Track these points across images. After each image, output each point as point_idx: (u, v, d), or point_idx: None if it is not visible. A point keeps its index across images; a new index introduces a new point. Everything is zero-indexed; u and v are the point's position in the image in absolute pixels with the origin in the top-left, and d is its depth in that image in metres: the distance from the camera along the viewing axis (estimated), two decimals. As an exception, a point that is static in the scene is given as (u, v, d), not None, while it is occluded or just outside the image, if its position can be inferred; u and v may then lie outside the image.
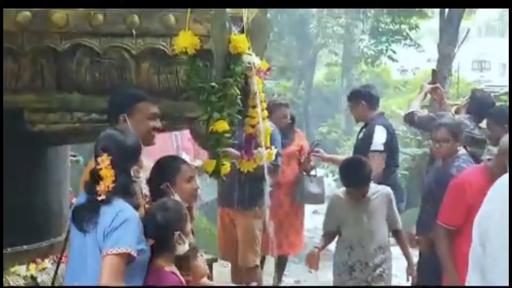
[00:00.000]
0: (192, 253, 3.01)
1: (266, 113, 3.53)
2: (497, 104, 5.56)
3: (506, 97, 9.27)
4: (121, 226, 2.53)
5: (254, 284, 4.20)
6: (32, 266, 3.37)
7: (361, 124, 5.74)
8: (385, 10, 15.85)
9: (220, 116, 3.08)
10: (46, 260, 3.45)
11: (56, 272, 3.22)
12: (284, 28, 18.87)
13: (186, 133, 4.48)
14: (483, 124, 5.05)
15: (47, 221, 3.57)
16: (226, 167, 3.37)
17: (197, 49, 3.00)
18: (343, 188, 4.50)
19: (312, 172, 5.93)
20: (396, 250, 4.77)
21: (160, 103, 3.11)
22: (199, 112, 3.13)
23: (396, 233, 4.58)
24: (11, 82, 3.08)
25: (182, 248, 2.77)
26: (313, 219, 9.06)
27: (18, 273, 3.33)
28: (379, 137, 5.23)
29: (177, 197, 2.99)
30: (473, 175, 3.78)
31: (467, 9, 12.16)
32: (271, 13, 14.57)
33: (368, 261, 4.37)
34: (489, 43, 30.99)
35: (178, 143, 5.55)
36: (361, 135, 5.55)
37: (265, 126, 3.56)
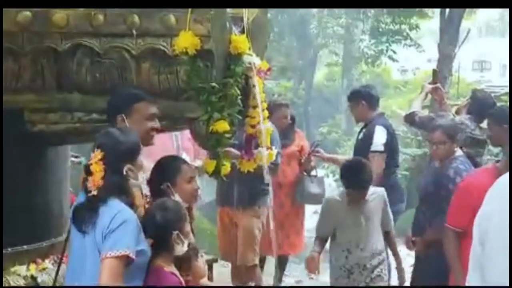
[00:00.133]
0: (192, 254, 3.01)
1: (266, 113, 3.53)
2: (498, 104, 5.55)
3: (507, 98, 9.27)
4: (119, 228, 2.52)
5: (251, 283, 4.21)
6: (33, 266, 3.37)
7: (362, 124, 5.73)
8: (385, 10, 15.84)
9: (221, 116, 3.08)
10: (47, 260, 3.45)
11: (57, 273, 3.22)
12: (284, 28, 18.86)
13: (187, 133, 4.48)
14: (484, 124, 5.04)
15: (47, 221, 3.57)
16: (226, 167, 3.37)
17: (197, 49, 3.00)
18: (339, 191, 4.51)
19: (313, 173, 5.93)
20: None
21: (160, 104, 3.11)
22: (199, 113, 3.13)
23: (387, 234, 4.58)
24: (12, 82, 3.08)
25: (181, 249, 2.76)
26: (314, 219, 9.06)
27: (19, 273, 3.33)
28: (379, 138, 5.23)
29: (177, 197, 3.00)
30: (481, 176, 3.74)
31: (467, 9, 12.16)
32: (271, 13, 14.58)
33: (366, 263, 4.36)
34: (489, 44, 31.00)
35: (178, 143, 5.54)
36: (361, 135, 5.55)
37: (266, 127, 3.56)
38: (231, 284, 5.45)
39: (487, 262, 2.07)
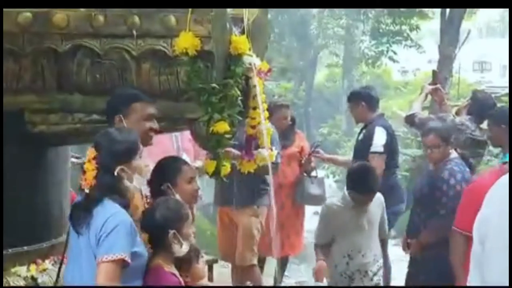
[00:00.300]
0: (193, 256, 3.01)
1: (266, 114, 3.53)
2: (498, 105, 5.55)
3: (507, 98, 9.27)
4: (113, 231, 2.51)
5: (248, 283, 4.20)
6: (33, 267, 3.37)
7: (361, 125, 5.73)
8: (385, 11, 15.86)
9: (221, 117, 3.08)
10: (47, 261, 3.45)
11: (58, 274, 3.22)
12: (284, 29, 18.88)
13: (187, 134, 4.49)
14: (484, 125, 5.04)
15: (47, 222, 3.57)
16: (226, 168, 3.37)
17: (197, 50, 3.01)
18: (340, 195, 4.43)
19: (313, 173, 5.93)
20: (394, 252, 4.78)
21: (160, 104, 3.11)
22: (199, 113, 3.13)
23: (381, 242, 4.59)
24: (12, 83, 3.08)
25: (179, 249, 2.75)
26: (314, 220, 9.07)
27: (19, 274, 3.33)
28: (379, 139, 5.23)
29: (178, 198, 3.00)
30: (488, 178, 3.70)
31: (468, 10, 12.16)
32: (271, 14, 14.58)
33: (368, 269, 4.34)
34: (490, 44, 31.05)
35: (178, 144, 5.54)
36: (361, 136, 5.55)
37: (267, 127, 3.56)
38: (231, 285, 5.45)
39: (487, 262, 2.07)
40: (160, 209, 2.79)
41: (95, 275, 2.50)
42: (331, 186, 13.76)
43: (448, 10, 10.80)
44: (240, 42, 3.07)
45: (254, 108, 3.39)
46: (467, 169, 4.40)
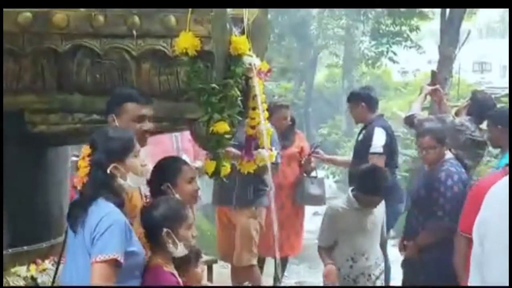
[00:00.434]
0: (193, 258, 3.01)
1: (266, 114, 3.53)
2: (498, 105, 5.55)
3: (507, 99, 9.27)
4: (107, 231, 2.51)
5: (247, 283, 4.19)
6: (33, 267, 3.37)
7: (361, 125, 5.74)
8: (385, 11, 15.86)
9: (221, 117, 3.08)
10: (47, 261, 3.45)
11: (55, 273, 3.22)
12: (284, 30, 18.87)
13: (187, 134, 4.49)
14: (484, 125, 5.03)
15: (47, 222, 3.57)
16: (226, 168, 3.37)
17: (197, 50, 3.01)
18: (343, 198, 4.38)
19: (313, 174, 5.94)
20: (394, 253, 4.77)
21: (160, 105, 3.12)
22: (199, 113, 3.13)
23: (380, 244, 4.55)
24: (12, 83, 3.08)
25: (174, 249, 2.75)
26: (314, 220, 9.06)
27: (19, 274, 3.33)
28: (379, 139, 5.23)
29: (178, 198, 3.00)
30: (492, 180, 3.70)
31: (468, 11, 12.15)
32: (271, 14, 14.58)
33: (371, 272, 4.30)
34: (490, 45, 31.06)
35: (178, 144, 5.54)
36: (360, 137, 5.56)
37: (266, 128, 3.56)
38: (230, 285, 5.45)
39: (486, 263, 2.08)
40: (158, 207, 2.80)
41: (90, 275, 2.50)
42: (331, 186, 13.77)
43: (448, 10, 10.79)
44: (240, 42, 3.07)
45: (254, 108, 3.39)
46: (463, 170, 4.41)
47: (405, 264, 4.58)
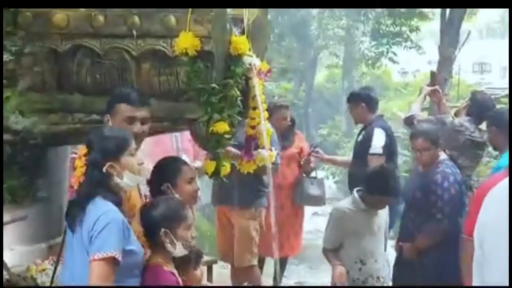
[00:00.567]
0: (193, 259, 3.01)
1: (266, 114, 3.53)
2: (497, 106, 5.54)
3: (507, 100, 9.27)
4: (104, 229, 2.52)
5: (246, 284, 4.18)
6: (32, 267, 3.37)
7: (361, 126, 5.73)
8: (386, 12, 15.87)
9: (221, 117, 3.08)
10: (46, 261, 3.45)
11: (54, 273, 3.22)
12: (285, 30, 18.88)
13: (186, 134, 4.49)
14: (483, 126, 5.03)
15: (47, 222, 3.57)
16: (226, 168, 3.37)
17: (197, 50, 3.01)
18: (346, 200, 4.31)
19: (312, 174, 5.93)
20: (393, 253, 4.75)
21: (160, 105, 3.12)
22: (199, 113, 3.13)
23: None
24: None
25: (173, 249, 2.75)
26: (314, 221, 9.07)
27: (19, 274, 3.33)
28: (378, 140, 5.23)
29: (178, 198, 3.00)
30: (493, 183, 3.67)
31: (468, 11, 12.15)
32: (271, 14, 14.58)
33: (379, 275, 4.23)
34: (490, 45, 31.04)
35: (178, 144, 5.54)
36: (360, 137, 5.55)
37: (266, 128, 3.56)
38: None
39: (486, 265, 2.09)
40: (157, 206, 2.80)
41: (88, 274, 2.50)
42: (331, 187, 13.77)
43: (448, 11, 10.80)
44: (240, 42, 3.07)
45: (254, 109, 3.39)
46: (458, 171, 4.41)
47: (401, 266, 4.56)
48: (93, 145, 2.65)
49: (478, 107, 5.13)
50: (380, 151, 5.20)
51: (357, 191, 4.24)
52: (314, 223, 9.53)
